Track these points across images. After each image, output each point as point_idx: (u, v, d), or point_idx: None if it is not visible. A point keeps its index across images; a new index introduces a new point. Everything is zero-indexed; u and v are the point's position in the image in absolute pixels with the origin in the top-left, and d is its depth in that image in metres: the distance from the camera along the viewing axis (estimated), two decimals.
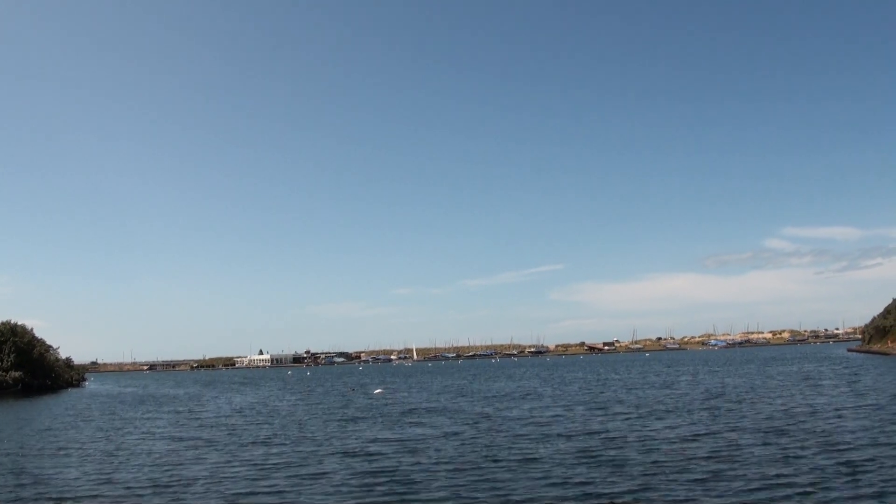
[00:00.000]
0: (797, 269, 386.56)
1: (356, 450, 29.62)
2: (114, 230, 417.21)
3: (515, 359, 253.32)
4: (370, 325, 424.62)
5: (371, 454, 28.33)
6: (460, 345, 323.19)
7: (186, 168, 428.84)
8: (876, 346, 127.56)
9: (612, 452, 26.26)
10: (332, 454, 28.73)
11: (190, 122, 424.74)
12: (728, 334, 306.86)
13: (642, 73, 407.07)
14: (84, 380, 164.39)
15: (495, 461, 25.44)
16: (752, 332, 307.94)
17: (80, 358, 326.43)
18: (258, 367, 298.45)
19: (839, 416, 34.27)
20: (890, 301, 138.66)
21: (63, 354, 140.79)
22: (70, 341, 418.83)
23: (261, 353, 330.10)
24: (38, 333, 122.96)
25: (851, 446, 25.48)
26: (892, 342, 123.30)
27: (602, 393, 58.68)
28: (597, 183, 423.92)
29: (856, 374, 67.97)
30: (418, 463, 25.73)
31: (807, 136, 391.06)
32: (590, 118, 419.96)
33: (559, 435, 31.65)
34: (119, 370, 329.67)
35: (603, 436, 30.78)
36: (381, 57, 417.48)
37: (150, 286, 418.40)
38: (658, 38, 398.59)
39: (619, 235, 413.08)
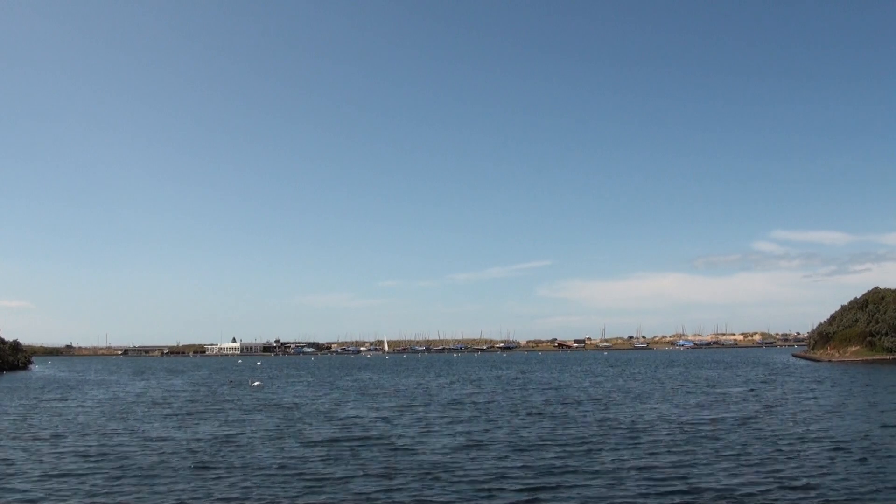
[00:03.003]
0: (786, 272, 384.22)
1: (99, 448, 28.44)
2: (98, 216, 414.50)
3: (477, 354, 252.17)
4: (357, 316, 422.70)
5: (102, 454, 27.12)
6: (431, 338, 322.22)
7: (175, 158, 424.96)
8: (816, 353, 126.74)
9: (321, 464, 25.03)
10: (71, 451, 27.52)
11: (176, 112, 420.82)
12: (699, 335, 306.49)
13: (634, 74, 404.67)
14: (30, 363, 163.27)
15: (194, 467, 24.19)
16: (724, 334, 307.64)
17: (59, 341, 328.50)
18: (227, 355, 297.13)
19: (642, 431, 32.82)
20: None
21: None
22: (52, 324, 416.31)
23: (234, 340, 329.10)
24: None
25: (578, 468, 24.21)
26: (831, 349, 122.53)
27: (480, 393, 57.58)
28: (586, 181, 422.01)
29: (764, 382, 66.62)
30: (123, 465, 24.48)
31: (797, 139, 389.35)
32: (581, 116, 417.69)
33: (317, 440, 30.32)
34: (94, 354, 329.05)
35: (373, 440, 29.45)
36: (371, 52, 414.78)
37: (137, 273, 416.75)
38: (651, 40, 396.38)
39: (608, 233, 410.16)
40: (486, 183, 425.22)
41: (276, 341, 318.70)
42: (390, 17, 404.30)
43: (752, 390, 57.13)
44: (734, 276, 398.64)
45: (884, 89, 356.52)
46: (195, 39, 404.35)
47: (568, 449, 27.26)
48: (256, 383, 69.19)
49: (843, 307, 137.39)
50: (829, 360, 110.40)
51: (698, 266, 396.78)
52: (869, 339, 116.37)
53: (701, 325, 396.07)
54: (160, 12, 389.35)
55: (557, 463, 24.32)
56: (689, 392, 55.18)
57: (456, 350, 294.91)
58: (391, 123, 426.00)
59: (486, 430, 32.83)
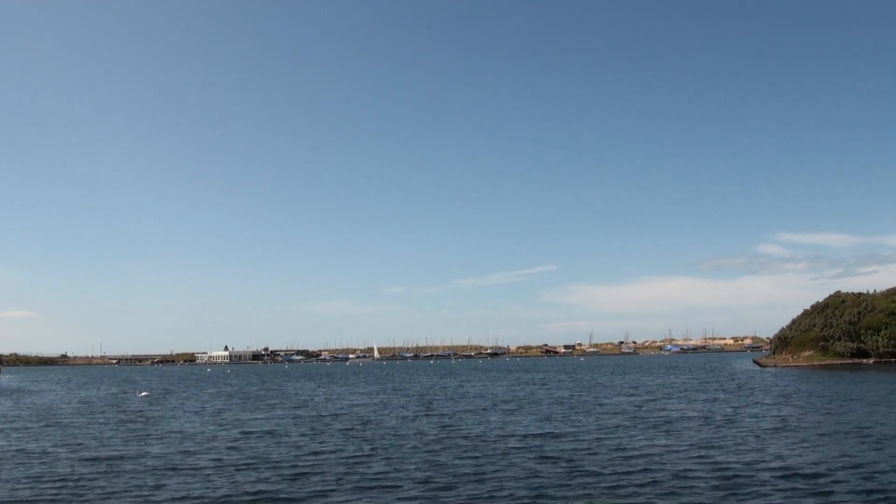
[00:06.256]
0: (792, 274, 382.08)
1: None
2: (95, 222, 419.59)
3: (454, 361, 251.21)
4: (362, 323, 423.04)
5: None
6: (420, 345, 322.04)
7: (172, 163, 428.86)
8: (774, 358, 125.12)
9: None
10: None
11: (179, 116, 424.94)
12: (688, 339, 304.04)
13: (638, 76, 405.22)
14: None
15: None
16: (713, 338, 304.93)
17: (58, 351, 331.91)
18: (217, 363, 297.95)
19: (430, 442, 32.20)
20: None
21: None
22: (54, 334, 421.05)
23: (226, 349, 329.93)
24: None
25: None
26: (787, 353, 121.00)
27: (366, 405, 56.97)
28: (591, 185, 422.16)
29: (683, 392, 64.89)
30: None
31: (802, 141, 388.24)
32: (585, 120, 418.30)
33: (89, 458, 29.75)
34: (88, 363, 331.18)
35: (135, 457, 28.89)
36: (375, 55, 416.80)
37: (136, 280, 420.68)
38: (654, 41, 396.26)
39: (614, 238, 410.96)
40: (491, 187, 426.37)
41: (265, 349, 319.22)
42: (395, 21, 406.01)
43: (638, 407, 55.05)
44: (740, 280, 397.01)
45: (889, 90, 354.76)
46: (196, 42, 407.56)
47: (301, 464, 26.60)
48: (143, 394, 68.80)
49: (804, 311, 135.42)
50: (775, 365, 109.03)
51: (704, 269, 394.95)
52: (822, 343, 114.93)
53: (702, 328, 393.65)
54: (162, 14, 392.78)
55: (254, 477, 23.71)
56: (573, 406, 54.27)
57: (447, 356, 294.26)
58: (395, 127, 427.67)
59: (281, 447, 32.03)
